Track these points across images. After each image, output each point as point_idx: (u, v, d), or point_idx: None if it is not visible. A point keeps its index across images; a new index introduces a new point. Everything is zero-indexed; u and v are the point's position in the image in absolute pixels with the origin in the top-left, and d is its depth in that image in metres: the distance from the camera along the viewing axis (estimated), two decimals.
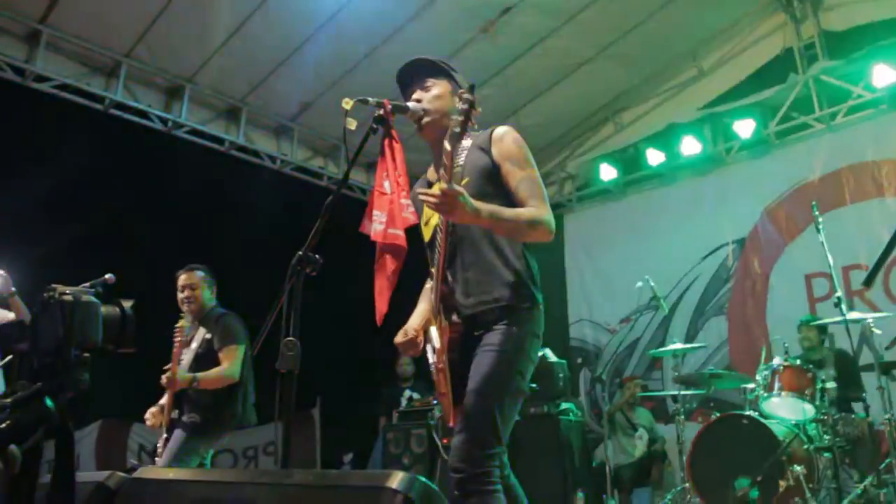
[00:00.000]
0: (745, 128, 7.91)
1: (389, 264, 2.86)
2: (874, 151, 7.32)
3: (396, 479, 1.33)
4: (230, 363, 4.60)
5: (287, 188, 8.64)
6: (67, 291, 1.55)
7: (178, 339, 4.61)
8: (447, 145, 2.46)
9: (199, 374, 4.54)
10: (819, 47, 7.66)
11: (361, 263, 3.31)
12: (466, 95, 2.46)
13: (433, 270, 2.74)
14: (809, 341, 6.17)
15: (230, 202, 8.57)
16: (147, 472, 1.80)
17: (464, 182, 2.68)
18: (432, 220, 2.80)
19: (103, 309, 1.59)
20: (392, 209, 2.82)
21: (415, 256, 2.92)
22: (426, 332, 2.84)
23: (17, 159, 7.08)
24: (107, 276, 4.77)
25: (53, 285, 1.57)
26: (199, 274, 4.91)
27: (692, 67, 8.46)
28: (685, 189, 8.58)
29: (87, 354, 1.53)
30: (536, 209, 2.63)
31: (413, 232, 2.92)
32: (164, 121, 7.59)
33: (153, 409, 4.82)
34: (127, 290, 4.55)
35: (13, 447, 1.10)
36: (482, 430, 2.48)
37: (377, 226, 2.83)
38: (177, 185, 8.11)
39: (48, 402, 1.19)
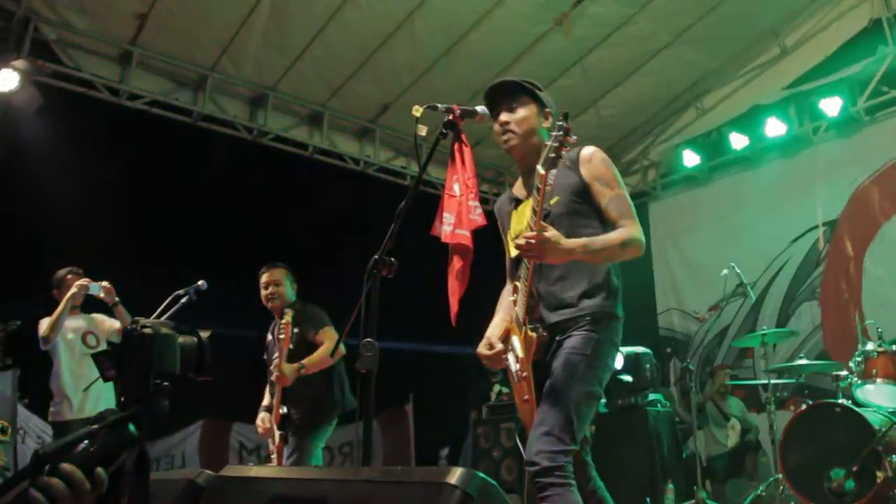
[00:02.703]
0: (832, 106, 7.63)
1: (457, 264, 2.95)
2: None
3: (456, 475, 1.40)
4: (329, 342, 4.68)
5: (371, 189, 8.81)
6: (148, 324, 1.68)
7: (285, 334, 4.69)
8: (540, 169, 2.55)
9: (305, 361, 4.66)
10: None
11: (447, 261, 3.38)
12: (561, 122, 2.54)
13: (517, 284, 2.82)
14: None
15: (316, 206, 8.82)
16: (230, 471, 1.94)
17: (553, 201, 2.79)
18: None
19: (181, 339, 1.72)
20: (460, 211, 2.90)
21: (482, 258, 2.99)
22: (507, 341, 2.93)
23: (111, 173, 7.46)
24: (199, 282, 5.03)
25: (137, 318, 1.71)
26: (281, 271, 5.06)
27: (774, 46, 8.19)
28: (771, 172, 8.34)
29: (166, 383, 1.66)
30: (626, 229, 2.75)
31: (479, 233, 2.99)
32: (249, 129, 7.87)
33: (263, 416, 5.00)
34: (219, 295, 4.78)
35: (100, 469, 1.23)
36: (557, 427, 2.58)
37: (446, 227, 2.92)
38: (263, 192, 8.40)
39: (132, 427, 1.31)
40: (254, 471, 1.95)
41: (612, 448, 6.08)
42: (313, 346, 4.78)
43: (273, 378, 4.68)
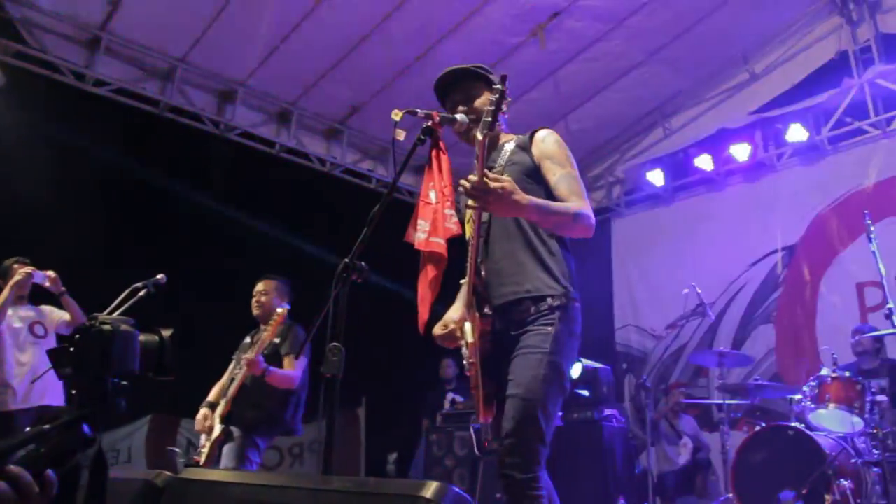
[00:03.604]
0: (797, 133, 7.78)
1: (430, 272, 2.91)
2: None
3: (431, 489, 1.37)
4: (294, 369, 4.78)
5: (336, 190, 8.75)
6: (108, 321, 1.61)
7: (272, 328, 4.68)
8: (479, 134, 2.52)
9: (273, 368, 4.67)
10: (875, 50, 7.48)
11: (409, 268, 3.35)
12: (497, 86, 2.52)
13: (467, 265, 2.77)
14: (862, 346, 6.02)
15: (280, 204, 8.73)
16: (192, 473, 1.87)
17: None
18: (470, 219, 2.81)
19: (142, 338, 1.65)
20: (436, 218, 2.87)
21: (457, 267, 2.97)
22: (462, 325, 2.85)
23: (74, 160, 7.29)
24: (159, 276, 4.92)
25: (95, 314, 1.63)
26: (273, 284, 5.11)
27: (743, 71, 8.34)
28: (734, 195, 8.47)
29: (124, 382, 1.59)
30: (579, 203, 2.65)
31: (455, 242, 2.96)
32: (216, 123, 7.76)
33: (205, 411, 4.94)
34: (176, 288, 4.69)
35: (50, 472, 1.17)
36: (528, 436, 2.53)
37: (420, 234, 2.88)
38: (227, 187, 8.29)
39: (86, 428, 1.25)
40: (217, 474, 1.89)
41: (567, 461, 6.10)
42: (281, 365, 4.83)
43: (243, 362, 4.62)
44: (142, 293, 4.79)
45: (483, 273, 2.75)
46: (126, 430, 9.62)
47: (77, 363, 1.68)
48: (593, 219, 2.68)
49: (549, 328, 2.62)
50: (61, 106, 6.98)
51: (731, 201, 8.47)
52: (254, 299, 5.10)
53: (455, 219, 2.92)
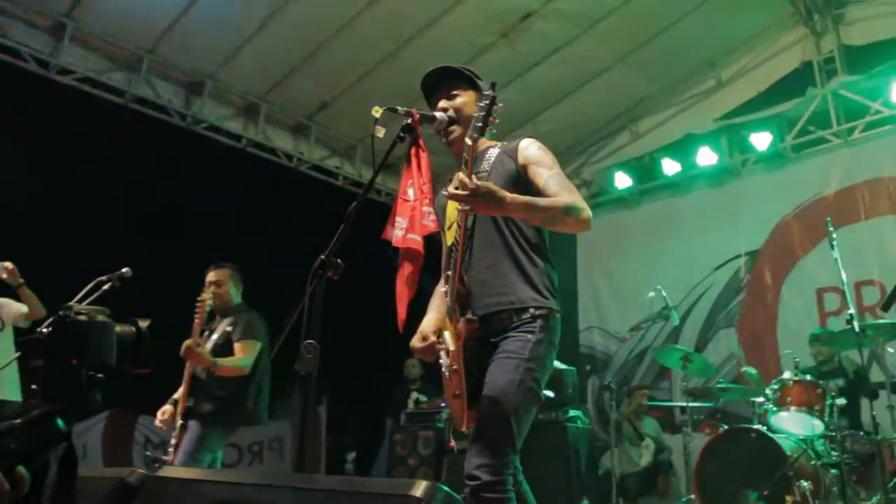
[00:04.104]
0: (761, 140, 7.92)
1: (407, 269, 2.89)
2: (891, 167, 7.32)
3: (420, 488, 1.36)
4: (245, 355, 4.69)
5: (303, 187, 8.68)
6: (83, 311, 1.54)
7: (200, 311, 4.67)
8: (468, 140, 2.52)
9: (219, 360, 4.61)
10: (839, 62, 7.65)
11: (376, 266, 3.34)
12: (488, 91, 2.52)
13: (449, 273, 2.75)
14: (822, 355, 6.17)
15: (248, 200, 8.64)
16: (169, 472, 1.82)
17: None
18: (455, 226, 2.79)
19: (118, 328, 1.59)
20: (413, 216, 2.86)
21: (434, 265, 2.95)
22: (439, 335, 2.84)
23: (38, 148, 7.14)
24: (124, 269, 4.83)
25: (69, 304, 1.57)
26: (227, 271, 5.02)
27: (710, 78, 8.46)
28: (700, 200, 8.58)
29: (100, 375, 1.54)
30: (571, 197, 2.64)
31: (431, 241, 2.95)
32: (183, 116, 7.65)
33: (166, 408, 4.87)
34: (136, 280, 4.61)
35: (21, 468, 1.11)
36: (498, 439, 2.51)
37: (398, 231, 2.86)
38: (194, 181, 8.15)
39: (60, 422, 1.20)
40: (195, 472, 1.85)
41: (530, 460, 6.08)
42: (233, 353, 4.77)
43: (182, 348, 4.54)
44: (106, 286, 4.71)
45: (466, 281, 2.74)
46: (82, 426, 9.42)
47: (49, 354, 1.60)
48: (588, 212, 2.65)
49: (529, 335, 2.63)
50: (22, 95, 6.82)
51: (696, 206, 8.57)
52: (208, 290, 4.93)
53: (433, 216, 2.91)
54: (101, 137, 7.22)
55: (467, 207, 2.50)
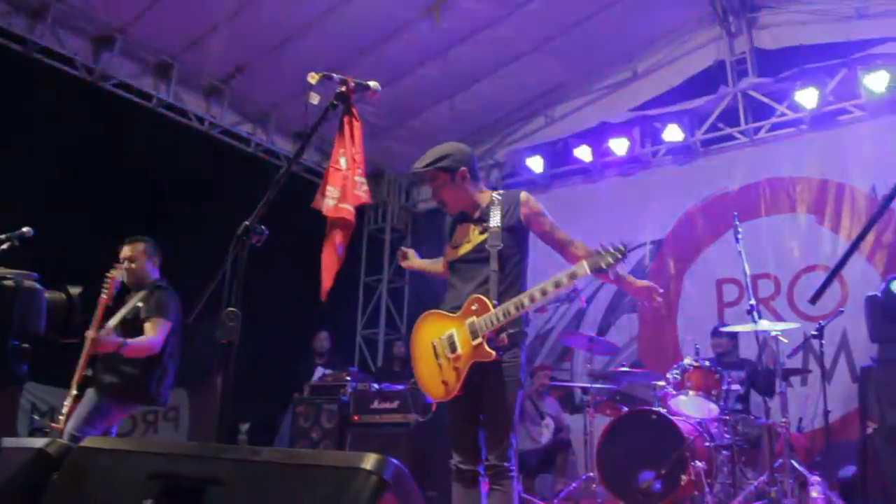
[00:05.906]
0: (672, 133, 8.14)
1: (336, 237, 2.86)
2: (791, 168, 7.65)
3: (370, 461, 1.34)
4: (155, 335, 4.47)
5: (213, 152, 8.42)
6: (9, 276, 1.42)
7: (109, 289, 4.44)
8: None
9: (129, 340, 4.39)
10: (750, 63, 7.95)
11: (286, 238, 3.28)
12: (620, 256, 3.14)
13: (453, 281, 3.34)
14: (722, 347, 6.44)
15: (154, 161, 8.29)
16: (95, 441, 1.71)
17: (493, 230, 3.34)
18: (463, 247, 3.34)
19: (47, 295, 1.48)
20: (345, 185, 2.82)
21: (361, 237, 2.92)
22: (449, 334, 3.22)
23: None
24: (24, 229, 4.56)
25: None
26: (141, 247, 4.76)
27: (627, 70, 8.64)
28: (610, 187, 8.76)
29: (26, 345, 1.43)
30: (573, 244, 3.50)
31: (361, 211, 2.93)
32: (89, 70, 7.30)
33: None
34: (35, 247, 4.38)
35: None
36: (506, 433, 3.12)
37: (329, 201, 2.82)
38: (98, 139, 7.77)
39: None
40: (127, 443, 1.75)
41: (438, 437, 6.15)
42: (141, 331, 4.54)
43: (88, 337, 4.34)
44: (4, 246, 4.45)
45: (476, 307, 3.19)
46: None
47: None
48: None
49: (518, 357, 3.22)
50: None
51: (606, 193, 8.75)
52: (121, 265, 4.68)
53: (365, 187, 2.88)
54: None
55: None
